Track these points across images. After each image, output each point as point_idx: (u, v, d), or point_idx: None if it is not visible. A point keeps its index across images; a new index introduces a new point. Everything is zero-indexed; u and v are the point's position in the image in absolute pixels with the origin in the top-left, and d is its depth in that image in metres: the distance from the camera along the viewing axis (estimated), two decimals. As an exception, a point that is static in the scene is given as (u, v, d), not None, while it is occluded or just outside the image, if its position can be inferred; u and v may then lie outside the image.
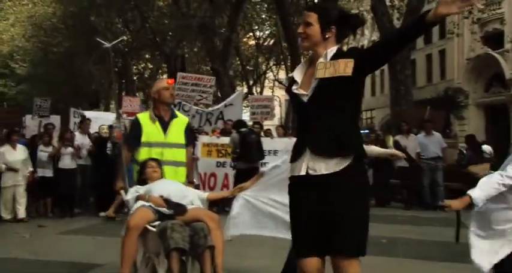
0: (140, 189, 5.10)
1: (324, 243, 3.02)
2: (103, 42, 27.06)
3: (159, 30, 30.13)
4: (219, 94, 25.02)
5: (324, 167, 3.07)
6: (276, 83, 40.96)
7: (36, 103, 14.53)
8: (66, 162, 11.76)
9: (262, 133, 13.18)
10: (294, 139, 3.45)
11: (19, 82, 39.43)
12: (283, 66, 35.97)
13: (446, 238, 8.11)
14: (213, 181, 12.52)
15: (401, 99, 17.30)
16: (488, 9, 29.24)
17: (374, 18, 18.81)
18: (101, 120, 15.29)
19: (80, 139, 12.44)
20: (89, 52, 32.25)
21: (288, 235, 3.54)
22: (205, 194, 5.52)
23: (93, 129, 13.56)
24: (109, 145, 12.12)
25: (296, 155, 3.20)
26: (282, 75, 40.15)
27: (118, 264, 4.89)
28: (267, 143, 12.28)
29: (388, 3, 19.48)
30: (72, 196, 11.98)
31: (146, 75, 40.41)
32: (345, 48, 3.32)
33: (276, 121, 33.28)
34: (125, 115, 13.72)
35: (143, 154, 5.34)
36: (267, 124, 16.72)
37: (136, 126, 5.46)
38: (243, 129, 11.79)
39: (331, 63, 3.10)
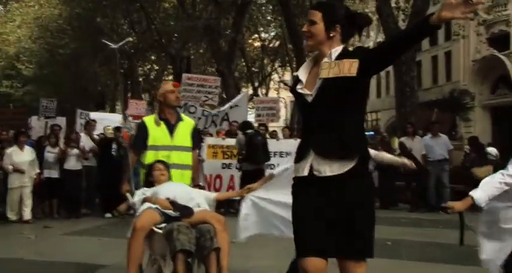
0: (147, 191, 5.10)
1: (329, 244, 3.00)
2: (109, 43, 27.17)
3: (165, 32, 30.15)
4: (224, 96, 25.04)
5: (328, 169, 3.05)
6: (281, 85, 40.94)
7: (43, 104, 14.57)
8: (72, 163, 11.80)
9: (267, 135, 13.20)
10: (299, 141, 3.44)
11: (25, 83, 39.51)
12: (289, 68, 35.93)
13: (450, 240, 8.11)
14: (219, 182, 12.56)
15: (406, 100, 17.24)
16: (494, 11, 29.20)
17: (379, 19, 18.78)
18: (106, 121, 15.33)
19: (86, 140, 12.48)
20: (95, 53, 32.38)
21: None
22: (213, 195, 5.48)
23: (99, 130, 13.59)
24: (114, 146, 12.15)
25: (300, 156, 3.19)
26: (287, 76, 40.10)
27: (123, 266, 4.90)
28: (272, 144, 12.30)
29: (393, 4, 19.45)
30: (77, 197, 12.02)
31: (152, 77, 40.46)
32: (350, 48, 3.30)
33: (281, 122, 33.26)
34: (130, 118, 13.78)
35: (150, 157, 5.32)
36: (273, 125, 16.74)
37: (142, 129, 5.45)
38: (249, 131, 11.81)
39: (335, 63, 3.08)
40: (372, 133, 15.85)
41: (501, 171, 4.07)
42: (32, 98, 34.98)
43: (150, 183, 5.20)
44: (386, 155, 5.91)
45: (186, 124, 5.55)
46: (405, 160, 5.74)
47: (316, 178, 3.09)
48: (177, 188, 5.11)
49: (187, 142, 5.48)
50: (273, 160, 12.02)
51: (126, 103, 14.96)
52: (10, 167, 10.97)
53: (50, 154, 11.74)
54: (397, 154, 12.76)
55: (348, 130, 3.09)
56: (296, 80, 3.29)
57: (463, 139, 22.00)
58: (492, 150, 14.18)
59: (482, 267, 4.43)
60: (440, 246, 7.96)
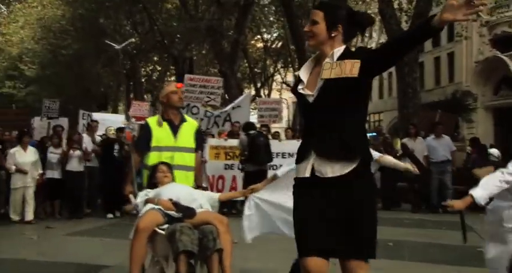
0: (149, 193, 5.10)
1: (331, 245, 3.00)
2: (113, 44, 27.25)
3: (168, 33, 30.16)
4: (227, 97, 25.05)
5: (330, 170, 3.04)
6: (284, 85, 40.96)
7: (45, 104, 14.60)
8: (74, 165, 11.81)
9: (269, 136, 13.20)
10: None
11: (28, 84, 39.56)
12: (291, 69, 35.93)
13: (454, 241, 8.11)
14: (221, 183, 12.56)
15: (409, 101, 17.24)
16: (497, 12, 29.16)
17: (382, 21, 18.78)
18: (108, 121, 15.32)
19: (88, 141, 12.49)
20: (98, 54, 32.42)
21: None
22: (216, 195, 5.46)
23: (101, 130, 13.60)
24: (116, 147, 12.16)
25: (302, 156, 3.18)
26: (289, 77, 40.12)
27: (125, 266, 4.90)
28: (275, 145, 12.29)
29: (395, 6, 19.45)
30: (79, 198, 12.03)
31: (154, 77, 40.50)
32: (352, 49, 3.28)
33: (283, 123, 33.26)
34: (133, 119, 13.79)
35: (153, 158, 5.30)
36: (275, 126, 16.73)
37: (146, 130, 5.43)
38: (252, 131, 11.82)
39: (337, 63, 3.06)
40: (374, 134, 15.81)
41: (501, 169, 4.07)
42: (34, 99, 35.03)
43: (153, 185, 5.18)
44: (389, 159, 5.91)
45: (190, 125, 5.53)
46: (408, 166, 5.74)
47: (317, 179, 3.08)
48: (179, 189, 5.10)
49: (191, 143, 5.45)
50: (276, 161, 12.01)
51: (129, 104, 14.94)
52: (13, 167, 10.99)
53: (53, 154, 11.75)
54: (399, 155, 12.79)
55: (349, 130, 3.07)
56: (297, 80, 3.27)
57: (465, 140, 22.03)
58: (494, 151, 14.14)
59: (488, 268, 4.42)
60: (444, 248, 7.95)
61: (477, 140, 14.61)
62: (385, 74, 39.38)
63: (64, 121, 14.63)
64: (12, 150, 11.17)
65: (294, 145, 11.78)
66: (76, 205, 11.92)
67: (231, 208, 11.72)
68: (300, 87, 3.21)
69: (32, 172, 11.16)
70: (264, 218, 5.02)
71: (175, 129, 5.39)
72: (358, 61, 3.00)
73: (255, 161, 11.52)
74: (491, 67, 31.35)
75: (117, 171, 11.26)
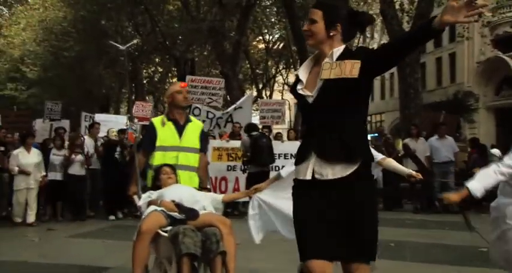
0: (153, 194, 5.09)
1: (332, 247, 2.98)
2: (117, 45, 27.23)
3: (169, 34, 30.20)
4: (228, 98, 25.06)
5: (331, 172, 3.02)
6: (286, 87, 40.96)
7: (48, 106, 14.60)
8: (76, 168, 11.79)
9: (271, 137, 13.20)
10: (302, 142, 3.41)
11: (30, 86, 39.58)
12: (293, 70, 35.94)
13: (456, 242, 8.12)
14: (224, 184, 12.57)
15: (410, 102, 17.23)
16: (498, 12, 29.15)
17: (383, 21, 18.79)
18: (110, 123, 15.33)
19: (89, 143, 12.48)
20: (100, 56, 32.44)
21: None
22: (220, 196, 5.42)
23: (103, 132, 13.59)
24: (118, 149, 12.16)
25: (301, 158, 3.15)
26: (291, 78, 40.11)
27: (127, 268, 4.90)
28: (277, 146, 12.31)
29: (397, 6, 19.45)
30: (82, 200, 12.03)
31: (156, 79, 40.55)
32: (352, 49, 3.26)
33: (285, 124, 33.25)
34: (136, 120, 13.80)
35: (158, 158, 5.28)
36: (277, 127, 16.71)
37: (151, 130, 5.42)
38: (254, 133, 11.82)
39: (337, 63, 3.03)
40: (376, 134, 15.82)
41: (497, 162, 4.07)
42: (36, 101, 35.01)
43: (157, 187, 5.16)
44: (392, 164, 5.90)
45: (195, 126, 5.51)
46: (412, 172, 5.74)
47: (317, 180, 3.06)
48: (182, 191, 5.08)
49: (196, 144, 5.43)
50: (278, 162, 12.03)
51: (132, 105, 14.92)
52: (16, 168, 10.98)
53: (55, 156, 11.74)
54: (401, 156, 12.79)
55: (349, 131, 3.04)
56: (296, 80, 3.24)
57: (466, 141, 22.00)
58: (496, 151, 14.12)
59: (492, 265, 4.42)
60: (446, 248, 7.94)
61: (477, 141, 14.61)
62: (386, 75, 39.45)
63: (66, 123, 14.64)
64: (15, 151, 11.17)
65: (296, 146, 11.75)
66: (78, 208, 11.91)
67: (232, 210, 11.72)
68: (299, 87, 3.19)
69: (35, 174, 11.15)
70: (268, 218, 5.02)
71: (180, 129, 5.36)
72: (359, 61, 2.97)
73: (258, 162, 11.53)
74: (492, 68, 31.35)
75: (119, 173, 11.28)
